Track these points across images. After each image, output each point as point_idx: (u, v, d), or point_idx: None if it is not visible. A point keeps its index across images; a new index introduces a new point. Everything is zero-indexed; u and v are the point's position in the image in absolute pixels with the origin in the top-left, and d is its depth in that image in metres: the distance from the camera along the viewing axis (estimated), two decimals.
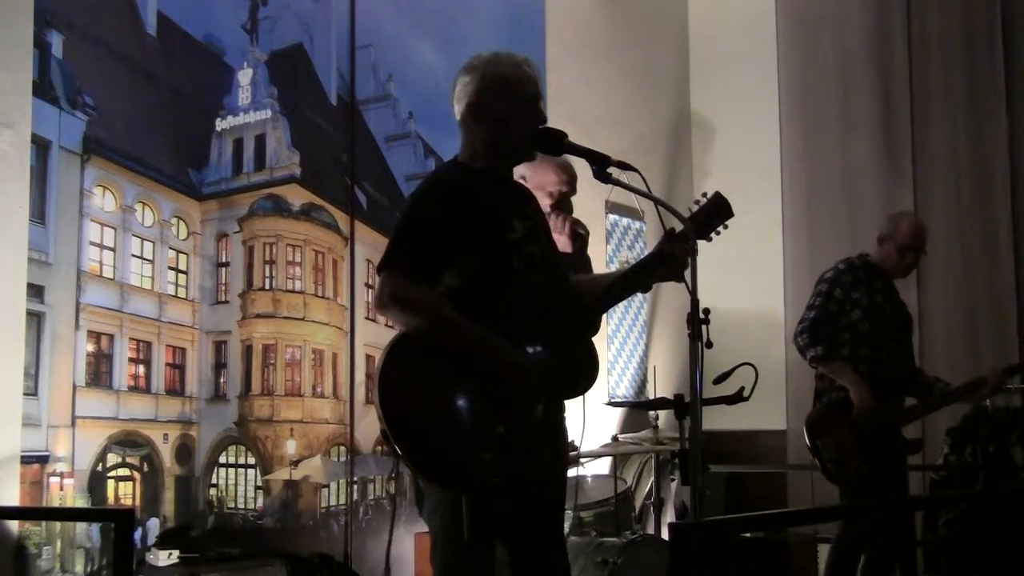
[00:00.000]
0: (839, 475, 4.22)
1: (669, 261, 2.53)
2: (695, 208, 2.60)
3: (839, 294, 4.30)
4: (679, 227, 2.51)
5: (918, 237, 4.34)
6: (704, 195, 2.62)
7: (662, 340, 6.42)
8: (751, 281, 6.36)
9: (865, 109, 6.36)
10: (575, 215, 3.65)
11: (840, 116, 6.45)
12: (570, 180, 3.50)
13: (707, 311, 2.34)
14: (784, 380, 6.03)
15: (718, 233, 2.61)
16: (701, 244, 2.49)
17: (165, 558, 3.43)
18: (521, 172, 3.11)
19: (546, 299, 2.52)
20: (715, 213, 2.59)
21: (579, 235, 3.54)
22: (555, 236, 2.98)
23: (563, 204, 3.47)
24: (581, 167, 2.53)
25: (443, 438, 2.37)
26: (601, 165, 2.48)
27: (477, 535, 2.40)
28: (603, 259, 5.93)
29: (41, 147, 3.29)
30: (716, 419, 3.73)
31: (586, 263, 3.52)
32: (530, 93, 2.58)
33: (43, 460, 3.23)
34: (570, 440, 4.06)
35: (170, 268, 3.69)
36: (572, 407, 2.71)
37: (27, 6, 3.26)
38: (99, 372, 3.43)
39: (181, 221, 3.74)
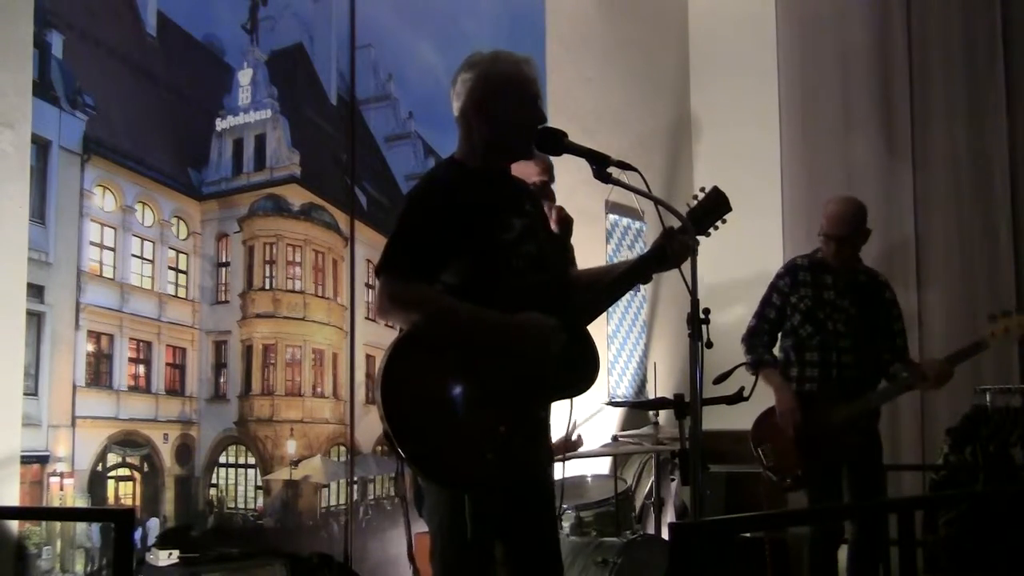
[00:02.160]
0: (779, 481, 4.21)
1: (668, 258, 2.54)
2: (693, 203, 2.60)
3: (777, 299, 4.29)
4: (677, 225, 2.51)
5: (831, 222, 4.16)
6: (702, 190, 2.63)
7: (662, 340, 6.42)
8: (751, 280, 6.35)
9: (865, 109, 6.36)
10: (567, 208, 3.75)
11: (840, 116, 6.45)
12: (547, 169, 3.57)
13: (707, 311, 2.34)
14: None
15: (716, 228, 2.62)
16: (702, 243, 2.49)
17: (165, 558, 3.43)
18: None
19: (544, 297, 2.52)
20: (713, 208, 2.60)
21: (565, 220, 3.61)
22: None
23: (545, 193, 3.54)
24: (582, 167, 2.53)
25: (445, 438, 2.37)
26: (601, 165, 2.48)
27: (477, 534, 2.41)
28: (603, 259, 5.93)
29: (41, 147, 3.29)
30: (716, 419, 3.73)
31: (569, 251, 3.56)
32: (531, 93, 2.58)
33: (43, 460, 3.23)
34: (577, 436, 4.07)
35: (170, 268, 3.69)
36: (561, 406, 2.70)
37: (27, 6, 3.26)
38: (99, 372, 3.43)
39: (181, 221, 3.74)
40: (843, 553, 4.29)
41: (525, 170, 3.27)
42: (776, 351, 4.38)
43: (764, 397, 4.30)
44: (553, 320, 2.45)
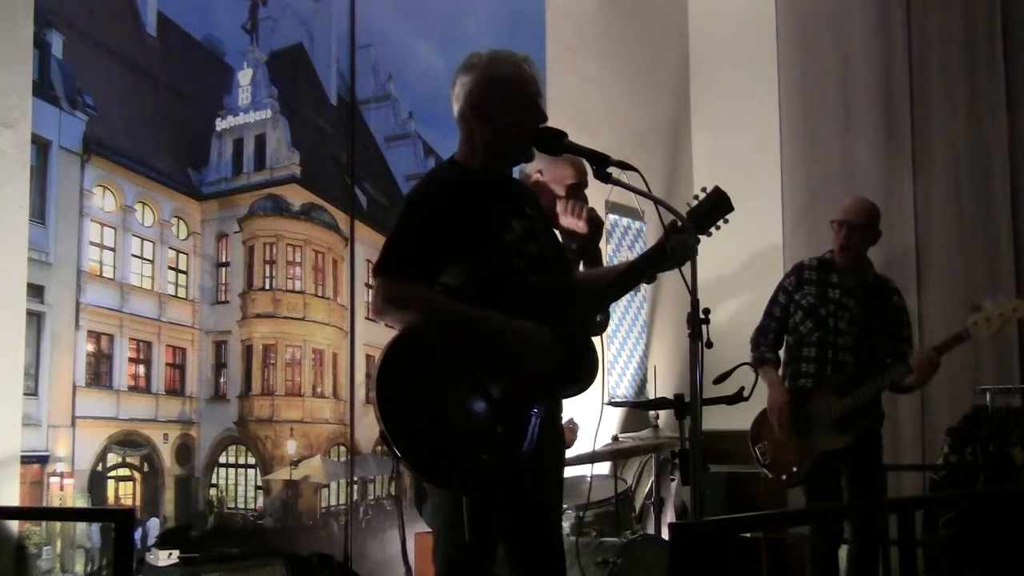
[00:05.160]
0: (775, 477, 4.24)
1: (671, 256, 2.53)
2: (694, 203, 2.60)
3: (783, 299, 4.36)
4: (679, 221, 2.51)
5: (845, 211, 4.23)
6: (703, 190, 2.63)
7: (662, 340, 6.42)
8: (751, 280, 6.35)
9: (865, 109, 6.35)
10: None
11: (840, 116, 6.45)
12: (582, 172, 3.57)
13: (707, 311, 2.34)
14: None
15: (718, 228, 2.61)
16: (702, 243, 2.49)
17: (165, 558, 3.43)
18: (537, 167, 3.15)
19: (545, 298, 2.52)
20: (715, 208, 2.59)
21: (595, 222, 3.57)
22: (572, 220, 3.10)
23: (578, 193, 3.52)
24: None
25: (441, 439, 2.37)
26: (601, 165, 2.48)
27: (478, 534, 2.40)
28: (603, 259, 5.92)
29: (41, 147, 3.29)
30: (716, 419, 3.73)
31: (597, 253, 3.52)
32: (530, 93, 2.57)
33: (43, 460, 3.23)
34: (574, 425, 4.05)
35: (170, 268, 3.69)
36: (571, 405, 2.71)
37: (27, 6, 3.26)
38: (99, 372, 3.43)
39: (181, 221, 3.74)
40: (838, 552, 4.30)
41: (564, 172, 3.26)
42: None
43: (765, 397, 4.30)
44: (547, 333, 2.44)
